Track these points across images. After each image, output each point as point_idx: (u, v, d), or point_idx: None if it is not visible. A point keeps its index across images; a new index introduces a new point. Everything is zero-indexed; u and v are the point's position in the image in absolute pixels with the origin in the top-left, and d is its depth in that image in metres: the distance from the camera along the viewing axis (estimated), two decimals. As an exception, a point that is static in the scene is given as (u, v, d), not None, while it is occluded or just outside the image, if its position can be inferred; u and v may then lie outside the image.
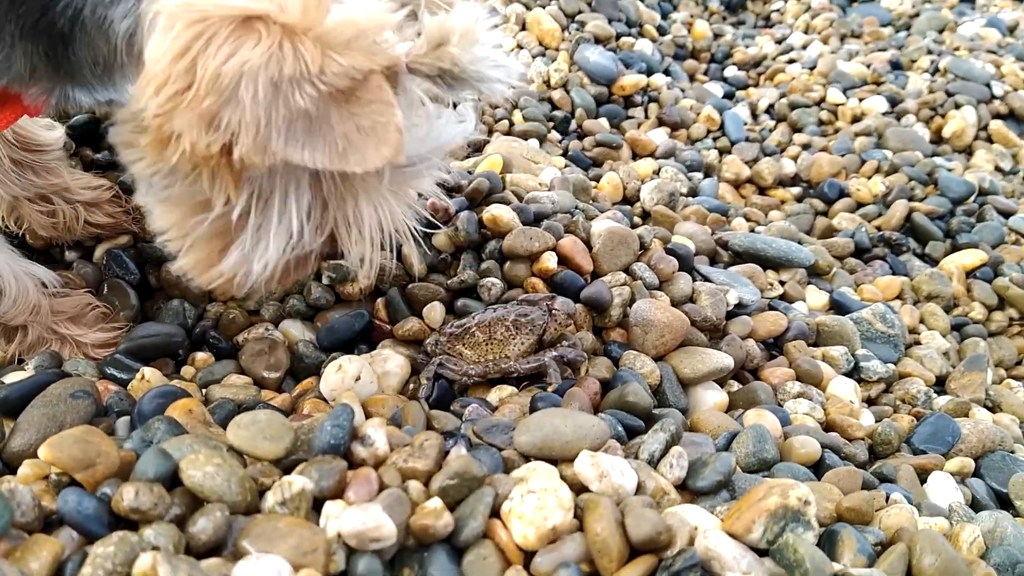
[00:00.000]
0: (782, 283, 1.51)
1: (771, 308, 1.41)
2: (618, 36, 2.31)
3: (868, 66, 2.46)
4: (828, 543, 0.80)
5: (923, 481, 1.07)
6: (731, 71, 2.62)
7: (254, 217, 0.79)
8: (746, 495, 0.80)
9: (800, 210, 1.89)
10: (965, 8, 3.43)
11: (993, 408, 1.40)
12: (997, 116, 2.41)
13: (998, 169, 2.30)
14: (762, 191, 1.99)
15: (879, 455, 1.14)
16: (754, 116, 2.33)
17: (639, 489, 0.82)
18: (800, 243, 1.63)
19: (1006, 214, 1.87)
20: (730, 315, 1.32)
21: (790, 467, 0.95)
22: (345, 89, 0.68)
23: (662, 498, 0.83)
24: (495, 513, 0.77)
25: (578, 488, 0.81)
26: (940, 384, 1.40)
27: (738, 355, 1.23)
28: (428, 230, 1.06)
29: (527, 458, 0.85)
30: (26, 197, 1.20)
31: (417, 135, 0.80)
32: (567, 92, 2.02)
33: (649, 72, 2.22)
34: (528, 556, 0.75)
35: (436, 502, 0.75)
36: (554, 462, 0.84)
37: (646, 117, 2.08)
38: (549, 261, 1.25)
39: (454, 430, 0.92)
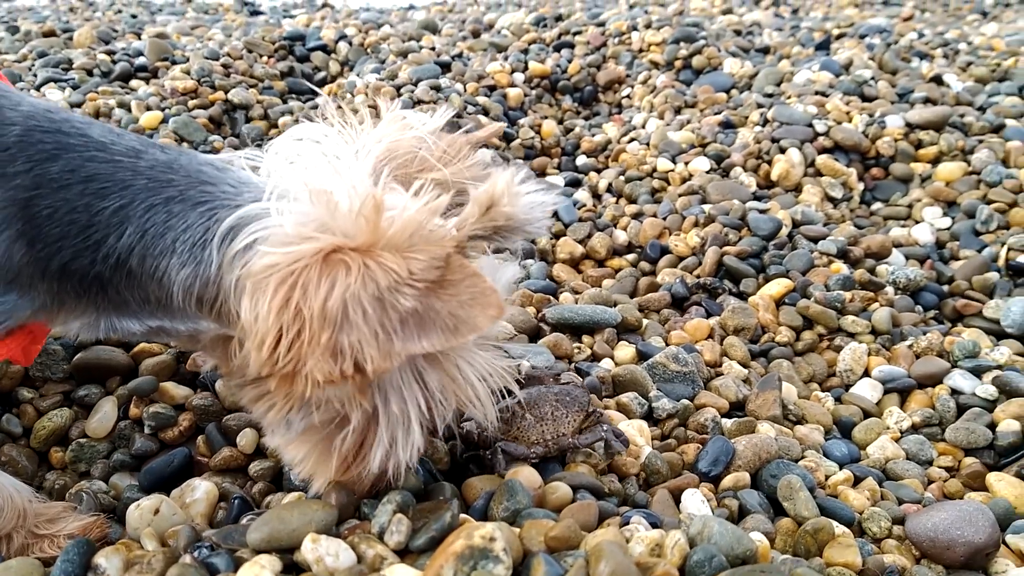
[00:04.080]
0: (592, 347, 1.61)
1: (578, 371, 1.51)
2: (457, 151, 2.49)
3: (695, 131, 2.65)
4: (524, 573, 0.87)
5: (678, 501, 1.15)
6: (581, 160, 2.81)
7: (392, 411, 0.89)
8: (442, 544, 0.88)
9: (627, 274, 2.01)
10: (819, 56, 3.69)
11: (799, 421, 1.49)
12: (823, 151, 2.58)
13: (830, 199, 2.46)
14: (600, 263, 2.12)
15: (651, 484, 1.21)
16: (597, 196, 2.49)
17: (360, 561, 0.90)
18: (615, 304, 1.74)
19: (816, 240, 1.99)
20: (527, 384, 1.42)
21: (531, 512, 1.03)
22: (436, 279, 0.77)
23: (381, 564, 0.90)
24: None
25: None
26: (741, 408, 1.48)
27: (524, 419, 1.32)
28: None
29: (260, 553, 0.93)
30: None
31: None
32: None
33: (487, 178, 2.38)
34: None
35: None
36: (291, 551, 0.92)
37: (483, 219, 2.22)
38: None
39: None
